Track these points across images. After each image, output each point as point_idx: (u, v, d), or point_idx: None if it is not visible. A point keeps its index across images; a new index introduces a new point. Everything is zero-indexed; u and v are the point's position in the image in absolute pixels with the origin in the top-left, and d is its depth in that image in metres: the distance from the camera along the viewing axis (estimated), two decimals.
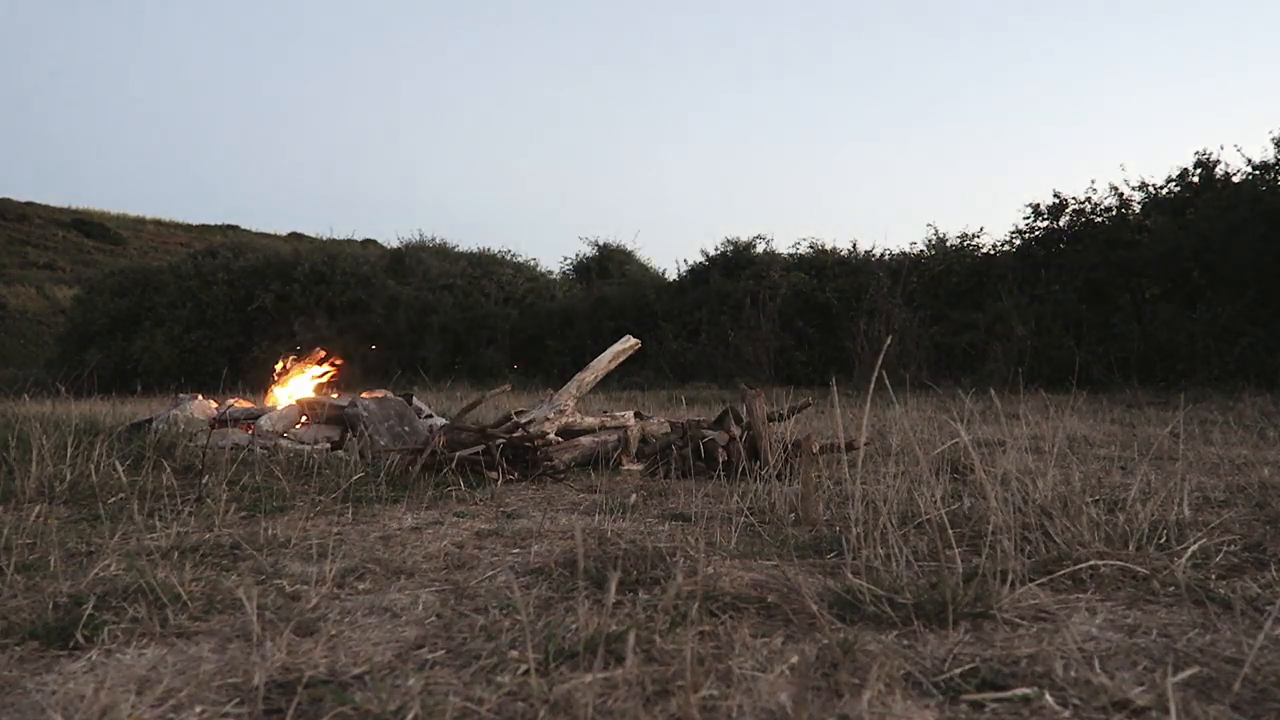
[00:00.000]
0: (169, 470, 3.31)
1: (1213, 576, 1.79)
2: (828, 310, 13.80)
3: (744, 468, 3.55)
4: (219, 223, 42.18)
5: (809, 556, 2.06)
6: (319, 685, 1.26)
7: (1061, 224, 12.32)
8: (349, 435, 4.66)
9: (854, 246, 15.99)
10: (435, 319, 16.82)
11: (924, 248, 14.44)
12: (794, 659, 1.34)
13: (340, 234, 32.98)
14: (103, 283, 19.73)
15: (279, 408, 4.93)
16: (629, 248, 20.73)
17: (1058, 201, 12.34)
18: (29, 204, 35.72)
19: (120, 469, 3.24)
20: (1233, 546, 2.03)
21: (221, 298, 17.76)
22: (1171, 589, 1.70)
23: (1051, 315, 11.18)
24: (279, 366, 5.59)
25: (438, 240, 21.24)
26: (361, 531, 2.50)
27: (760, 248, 16.71)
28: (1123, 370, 9.84)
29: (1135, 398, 7.63)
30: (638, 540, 2.23)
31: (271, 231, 40.81)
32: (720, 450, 3.73)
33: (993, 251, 13.43)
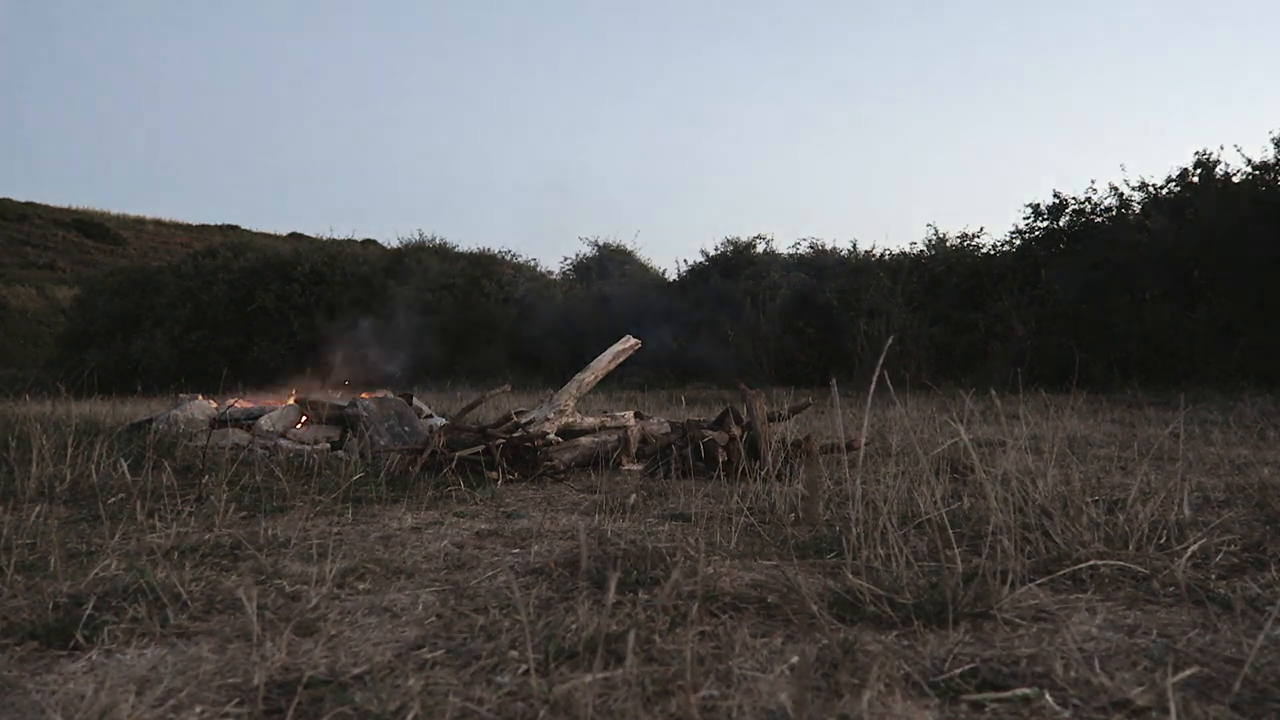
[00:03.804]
0: (169, 470, 3.31)
1: (1213, 576, 1.79)
2: (828, 310, 13.81)
3: (744, 468, 3.55)
4: (219, 223, 42.17)
5: (809, 556, 2.06)
6: (319, 685, 1.26)
7: (1061, 224, 12.34)
8: (349, 435, 4.66)
9: (854, 246, 16.03)
10: (435, 319, 16.82)
11: (924, 248, 14.46)
12: (794, 659, 1.34)
13: (340, 234, 32.96)
14: (103, 283, 19.72)
15: (279, 408, 4.94)
16: (629, 248, 20.76)
17: (1058, 201, 12.36)
18: (29, 204, 35.68)
19: (124, 467, 3.24)
20: (1233, 546, 2.03)
21: (221, 298, 17.75)
22: (1171, 589, 1.70)
23: (1051, 315, 11.19)
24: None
25: (438, 240, 21.25)
26: (361, 531, 2.50)
27: (760, 248, 16.74)
28: (1123, 370, 9.84)
29: (1135, 398, 7.63)
30: (638, 540, 2.23)
31: (271, 231, 40.78)
32: (720, 450, 3.73)
33: (993, 251, 13.45)
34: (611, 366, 4.70)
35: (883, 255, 15.27)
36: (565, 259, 22.22)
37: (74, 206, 38.27)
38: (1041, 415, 5.39)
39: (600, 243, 20.65)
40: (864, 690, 1.19)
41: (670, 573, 1.81)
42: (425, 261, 19.24)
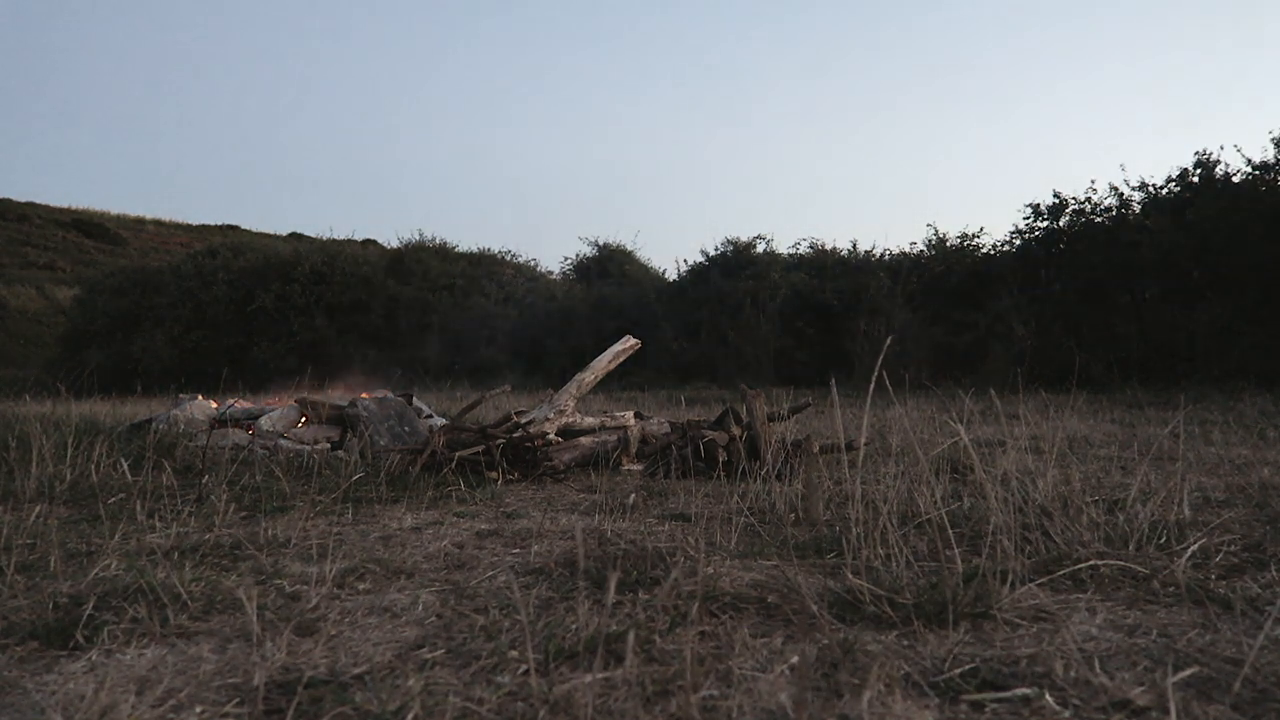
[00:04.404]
0: (169, 470, 3.31)
1: (1213, 576, 1.79)
2: (828, 310, 13.82)
3: (744, 468, 3.55)
4: (219, 223, 42.18)
5: (809, 556, 2.06)
6: (319, 685, 1.26)
7: (1061, 224, 12.34)
8: (349, 435, 4.66)
9: (854, 246, 16.04)
10: (435, 319, 16.82)
11: (924, 248, 14.48)
12: (794, 659, 1.34)
13: (340, 234, 32.97)
14: (103, 283, 19.74)
15: (279, 408, 4.94)
16: (629, 248, 20.79)
17: (1058, 201, 12.36)
18: (29, 204, 35.68)
19: (125, 467, 3.24)
20: (1233, 546, 2.03)
21: (221, 298, 17.76)
22: (1171, 589, 1.70)
23: (1051, 315, 11.20)
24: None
25: (438, 240, 21.28)
26: (361, 531, 2.50)
27: (760, 248, 16.75)
28: (1123, 370, 9.85)
29: (1135, 398, 7.63)
30: (638, 540, 2.23)
31: (271, 231, 40.80)
32: (720, 450, 3.73)
33: (993, 251, 13.45)
34: (611, 366, 4.70)
35: (883, 255, 15.29)
36: (565, 259, 22.29)
37: (74, 206, 38.29)
38: (1041, 415, 5.39)
39: (600, 243, 20.68)
40: (864, 690, 1.19)
41: (670, 573, 1.81)
42: (425, 261, 19.26)
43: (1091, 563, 1.81)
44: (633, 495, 3.11)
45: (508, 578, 1.91)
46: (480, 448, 3.68)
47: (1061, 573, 1.78)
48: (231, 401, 5.31)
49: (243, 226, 41.88)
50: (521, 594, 1.74)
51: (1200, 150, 11.40)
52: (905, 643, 1.43)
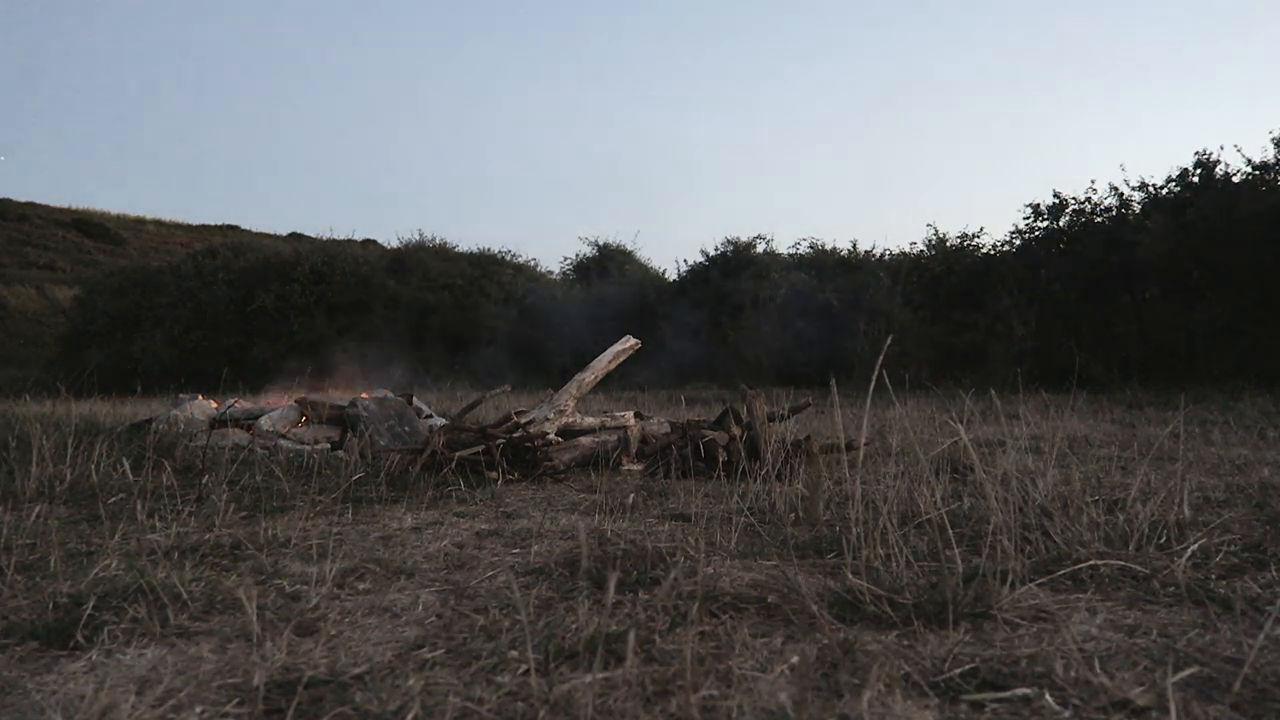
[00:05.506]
0: (169, 470, 3.31)
1: (1213, 576, 1.79)
2: (828, 310, 13.82)
3: (744, 468, 3.55)
4: (219, 223, 42.18)
5: (809, 556, 2.06)
6: (319, 685, 1.26)
7: (1061, 224, 12.34)
8: (349, 435, 4.66)
9: (854, 246, 16.07)
10: (435, 319, 16.83)
11: (924, 248, 14.47)
12: (794, 659, 1.34)
13: (340, 234, 32.91)
14: (103, 283, 19.73)
15: (279, 408, 4.94)
16: (629, 247, 20.78)
17: (1058, 201, 12.36)
18: (29, 204, 35.65)
19: (126, 467, 3.24)
20: (1233, 546, 2.03)
21: (221, 298, 17.76)
22: (1171, 589, 1.70)
23: (1051, 315, 11.21)
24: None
25: (438, 240, 21.26)
26: (361, 531, 2.50)
27: (760, 248, 16.77)
28: (1123, 370, 9.86)
29: (1135, 398, 7.63)
30: (638, 540, 2.23)
31: (271, 231, 40.78)
32: (720, 450, 3.73)
33: (993, 251, 13.46)
34: (611, 366, 4.70)
35: (883, 255, 15.32)
36: (565, 259, 22.28)
37: (74, 206, 38.24)
38: (1041, 415, 5.40)
39: (600, 242, 20.69)
40: (864, 690, 1.19)
41: (670, 573, 1.80)
42: (425, 261, 19.26)
43: (1091, 563, 1.81)
44: (633, 495, 3.11)
45: (508, 578, 1.91)
46: (480, 448, 3.68)
47: (1061, 573, 1.78)
48: (232, 401, 5.31)
49: (243, 226, 41.86)
50: (521, 594, 1.74)
51: (1200, 150, 11.42)
52: (905, 643, 1.42)
